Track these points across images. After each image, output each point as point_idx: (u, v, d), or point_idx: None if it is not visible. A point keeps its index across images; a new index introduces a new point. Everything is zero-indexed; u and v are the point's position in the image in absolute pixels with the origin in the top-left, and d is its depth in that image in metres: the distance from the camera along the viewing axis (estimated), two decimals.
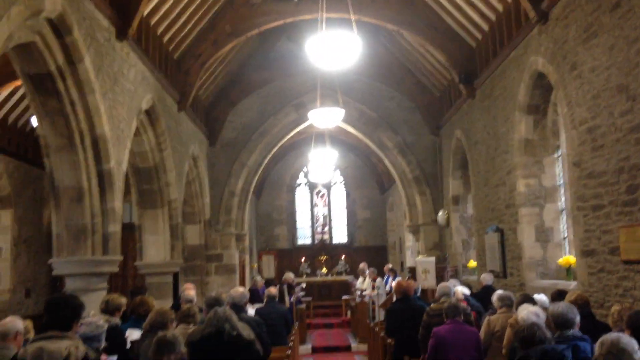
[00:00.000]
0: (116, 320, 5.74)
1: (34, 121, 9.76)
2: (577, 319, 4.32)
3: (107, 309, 5.81)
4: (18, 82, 9.02)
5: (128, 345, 5.56)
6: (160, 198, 10.46)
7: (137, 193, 10.34)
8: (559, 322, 4.27)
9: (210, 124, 14.70)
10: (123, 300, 6.17)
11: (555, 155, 9.07)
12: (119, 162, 7.71)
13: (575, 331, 4.20)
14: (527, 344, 3.56)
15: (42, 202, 13.25)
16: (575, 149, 7.20)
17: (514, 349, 4.94)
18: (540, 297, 6.08)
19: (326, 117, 11.14)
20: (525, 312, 5.35)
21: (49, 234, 13.32)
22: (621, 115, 6.15)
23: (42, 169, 13.06)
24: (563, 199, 8.94)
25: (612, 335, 2.76)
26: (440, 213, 14.42)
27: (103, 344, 4.34)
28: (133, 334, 5.75)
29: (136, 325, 5.99)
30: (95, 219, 7.12)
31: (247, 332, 4.56)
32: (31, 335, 5.05)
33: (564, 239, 8.96)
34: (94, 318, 4.63)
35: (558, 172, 9.07)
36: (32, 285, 12.83)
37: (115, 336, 5.25)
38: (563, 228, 9.00)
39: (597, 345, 2.84)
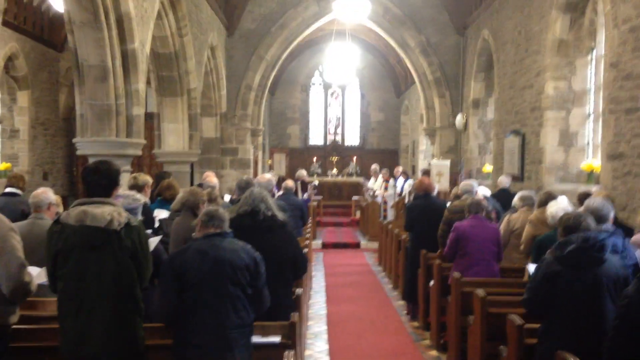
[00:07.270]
0: (145, 198, 5.72)
1: None
2: (612, 214, 4.32)
3: (137, 184, 5.74)
4: None
5: (156, 224, 5.61)
6: (180, 86, 10.29)
7: (157, 80, 10.16)
8: (594, 217, 4.26)
9: (228, 12, 14.18)
10: (149, 177, 6.15)
11: (589, 57, 8.79)
12: (142, 42, 7.48)
13: (608, 225, 4.21)
14: (570, 231, 3.58)
15: (58, 85, 13.09)
16: (615, 49, 6.94)
17: (538, 243, 5.00)
18: (562, 199, 6.06)
19: (351, 7, 10.73)
20: (555, 207, 5.37)
21: (64, 118, 13.37)
22: None
23: (58, 51, 12.86)
24: (591, 103, 8.76)
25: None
26: (458, 116, 14.26)
27: (140, 218, 4.27)
28: (161, 214, 5.79)
29: (162, 206, 6.02)
30: (119, 100, 7.01)
31: (280, 213, 4.57)
32: (61, 209, 5.07)
33: (588, 144, 8.86)
34: (130, 191, 4.60)
35: (589, 74, 8.81)
36: (49, 168, 12.95)
37: (145, 213, 5.22)
38: (587, 133, 8.88)
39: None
